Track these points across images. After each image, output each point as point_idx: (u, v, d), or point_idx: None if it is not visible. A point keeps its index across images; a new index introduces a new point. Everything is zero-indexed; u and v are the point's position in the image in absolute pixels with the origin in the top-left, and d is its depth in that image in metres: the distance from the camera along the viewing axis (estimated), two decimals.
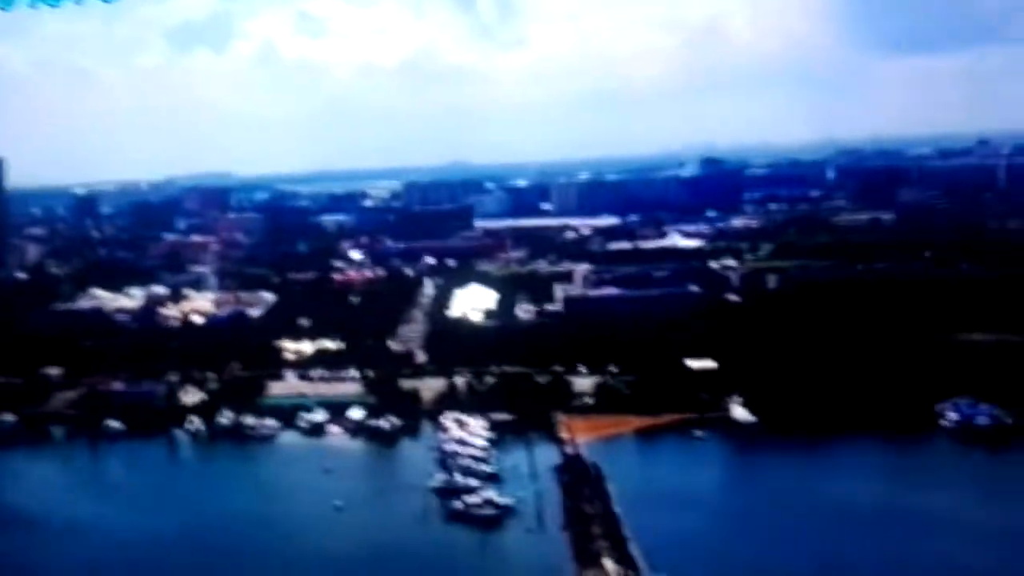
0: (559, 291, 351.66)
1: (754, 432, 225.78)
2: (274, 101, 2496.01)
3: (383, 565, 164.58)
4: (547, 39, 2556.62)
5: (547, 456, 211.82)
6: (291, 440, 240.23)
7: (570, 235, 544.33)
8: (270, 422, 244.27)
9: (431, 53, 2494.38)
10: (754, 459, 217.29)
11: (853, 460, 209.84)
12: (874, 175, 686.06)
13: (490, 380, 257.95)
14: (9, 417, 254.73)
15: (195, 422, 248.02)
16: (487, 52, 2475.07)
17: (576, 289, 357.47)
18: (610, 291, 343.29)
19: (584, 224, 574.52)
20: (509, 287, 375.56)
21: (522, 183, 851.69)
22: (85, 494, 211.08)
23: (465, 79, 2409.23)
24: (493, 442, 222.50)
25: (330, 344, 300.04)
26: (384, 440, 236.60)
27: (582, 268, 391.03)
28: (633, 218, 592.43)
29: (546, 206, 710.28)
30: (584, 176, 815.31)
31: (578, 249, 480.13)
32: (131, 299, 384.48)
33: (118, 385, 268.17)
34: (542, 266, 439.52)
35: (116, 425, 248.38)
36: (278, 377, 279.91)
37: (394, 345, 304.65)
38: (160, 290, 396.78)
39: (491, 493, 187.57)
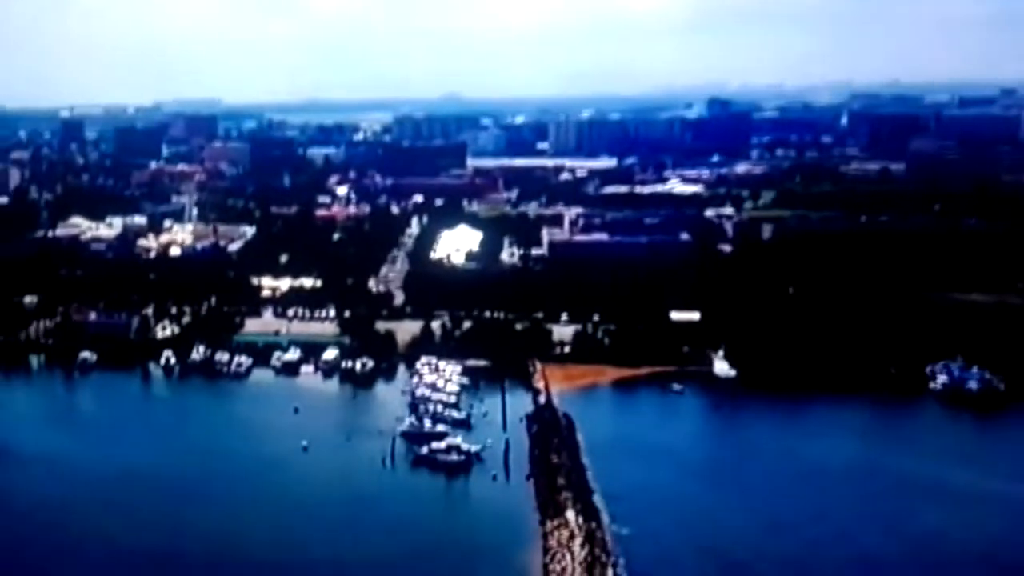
0: (545, 235, 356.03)
1: (734, 387, 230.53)
2: (262, 25, 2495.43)
3: (343, 507, 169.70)
4: None
5: (520, 404, 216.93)
6: (264, 378, 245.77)
7: (565, 176, 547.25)
8: (243, 359, 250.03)
9: None
10: (730, 415, 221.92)
11: (833, 419, 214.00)
12: (888, 122, 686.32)
13: (467, 325, 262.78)
14: None
15: (168, 356, 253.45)
16: None
17: (563, 234, 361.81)
18: (599, 237, 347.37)
19: (580, 165, 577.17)
20: (496, 229, 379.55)
21: (520, 120, 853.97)
22: (51, 425, 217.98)
23: (462, 5, 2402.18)
24: (466, 388, 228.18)
25: (308, 282, 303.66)
26: (357, 382, 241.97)
27: (572, 212, 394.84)
28: (632, 160, 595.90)
29: (543, 145, 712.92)
30: (587, 114, 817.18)
31: (572, 191, 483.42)
32: (111, 228, 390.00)
33: (92, 315, 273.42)
34: (533, 208, 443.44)
35: (89, 356, 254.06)
36: (254, 314, 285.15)
37: (374, 285, 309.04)
38: (139, 220, 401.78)
39: (457, 439, 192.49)
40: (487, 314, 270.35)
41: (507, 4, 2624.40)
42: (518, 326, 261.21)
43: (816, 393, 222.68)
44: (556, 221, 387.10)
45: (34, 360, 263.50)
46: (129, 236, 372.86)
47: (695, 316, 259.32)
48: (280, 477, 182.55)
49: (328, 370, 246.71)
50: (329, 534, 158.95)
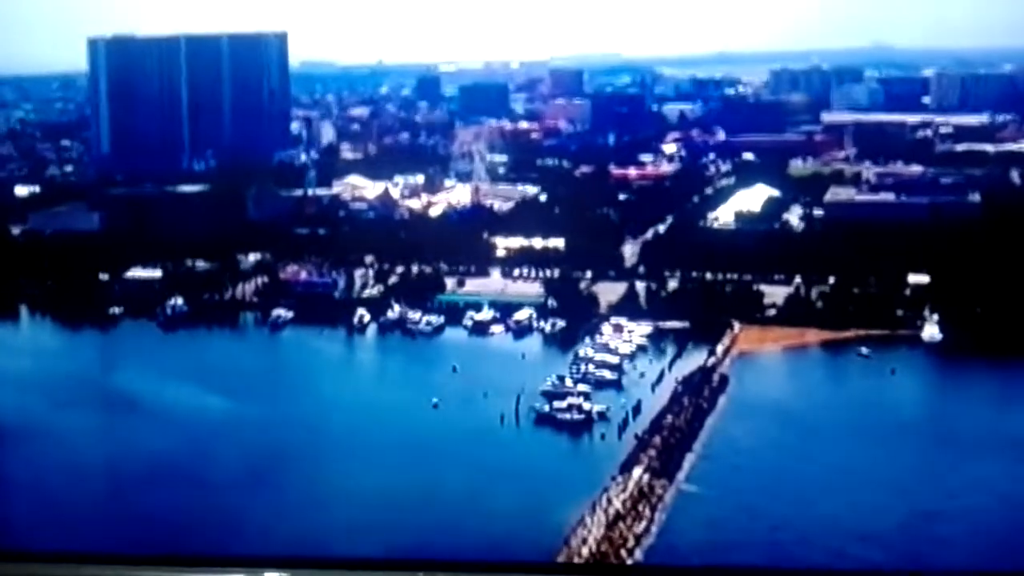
0: (829, 195, 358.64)
1: (936, 352, 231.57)
2: None
3: (432, 460, 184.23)
4: None
5: (694, 366, 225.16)
6: (454, 337, 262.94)
7: (923, 133, 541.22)
8: (432, 318, 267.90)
9: None
10: (912, 382, 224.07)
11: None
12: None
13: (672, 285, 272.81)
14: (179, 301, 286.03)
15: (361, 315, 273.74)
16: None
17: (846, 193, 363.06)
18: (884, 197, 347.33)
19: (950, 121, 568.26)
20: (799, 189, 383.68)
21: (929, 72, 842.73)
22: (197, 378, 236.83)
23: None
24: (643, 349, 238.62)
25: (552, 242, 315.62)
26: (552, 342, 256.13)
27: (871, 170, 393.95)
28: (1010, 117, 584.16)
29: (927, 100, 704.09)
30: (1009, 68, 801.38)
31: (917, 149, 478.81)
32: (393, 187, 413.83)
33: (303, 275, 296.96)
34: (866, 167, 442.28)
35: (284, 313, 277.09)
36: (482, 274, 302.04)
37: (627, 249, 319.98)
38: (419, 179, 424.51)
39: (579, 399, 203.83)
40: (707, 276, 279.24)
41: None
42: (728, 288, 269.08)
43: None
44: (858, 181, 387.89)
45: (238, 318, 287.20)
46: (394, 196, 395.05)
47: (924, 279, 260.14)
48: (395, 431, 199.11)
49: (519, 330, 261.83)
50: (379, 479, 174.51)
